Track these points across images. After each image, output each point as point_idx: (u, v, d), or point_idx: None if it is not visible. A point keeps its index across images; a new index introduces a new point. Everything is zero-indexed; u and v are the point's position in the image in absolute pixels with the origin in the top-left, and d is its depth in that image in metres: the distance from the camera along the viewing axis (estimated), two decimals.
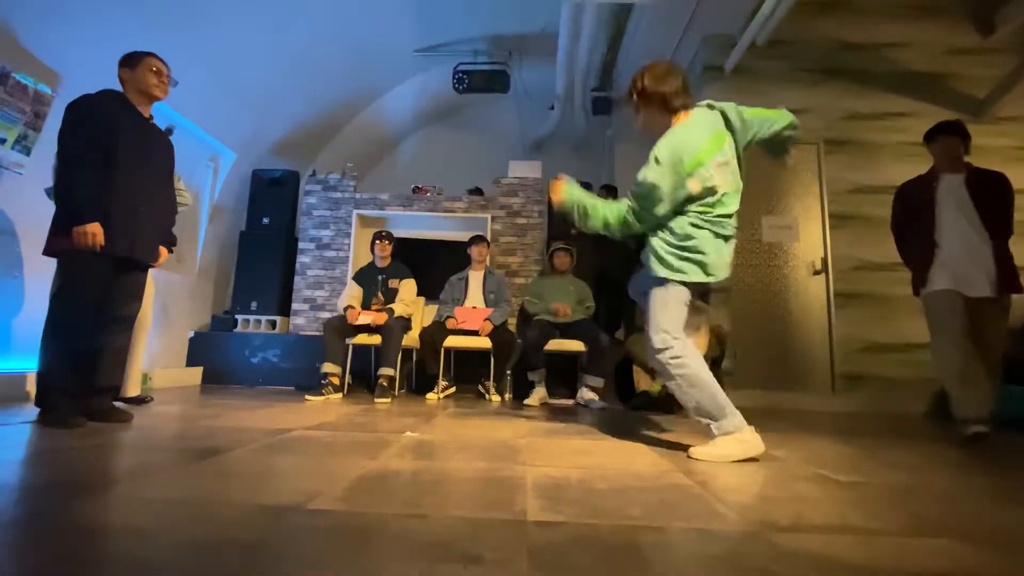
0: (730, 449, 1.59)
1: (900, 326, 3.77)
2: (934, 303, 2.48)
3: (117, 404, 2.15)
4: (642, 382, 3.29)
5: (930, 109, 4.06)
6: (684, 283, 1.73)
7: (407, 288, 3.71)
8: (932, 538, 0.93)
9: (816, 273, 3.90)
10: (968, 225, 2.46)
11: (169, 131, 2.39)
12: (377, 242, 3.76)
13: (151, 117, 2.19)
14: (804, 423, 2.75)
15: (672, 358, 1.66)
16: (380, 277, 3.72)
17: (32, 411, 1.99)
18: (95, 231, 1.87)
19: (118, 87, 2.10)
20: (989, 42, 4.12)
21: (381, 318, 3.40)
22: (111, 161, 1.96)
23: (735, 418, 1.64)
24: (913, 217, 2.61)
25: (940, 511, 1.13)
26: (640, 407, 3.14)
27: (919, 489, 1.33)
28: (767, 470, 1.48)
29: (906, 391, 3.63)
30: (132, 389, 2.66)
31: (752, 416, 2.98)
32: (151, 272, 2.69)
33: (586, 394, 3.33)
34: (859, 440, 2.18)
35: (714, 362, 3.33)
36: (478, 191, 4.99)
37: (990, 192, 2.48)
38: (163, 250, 2.30)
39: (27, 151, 2.76)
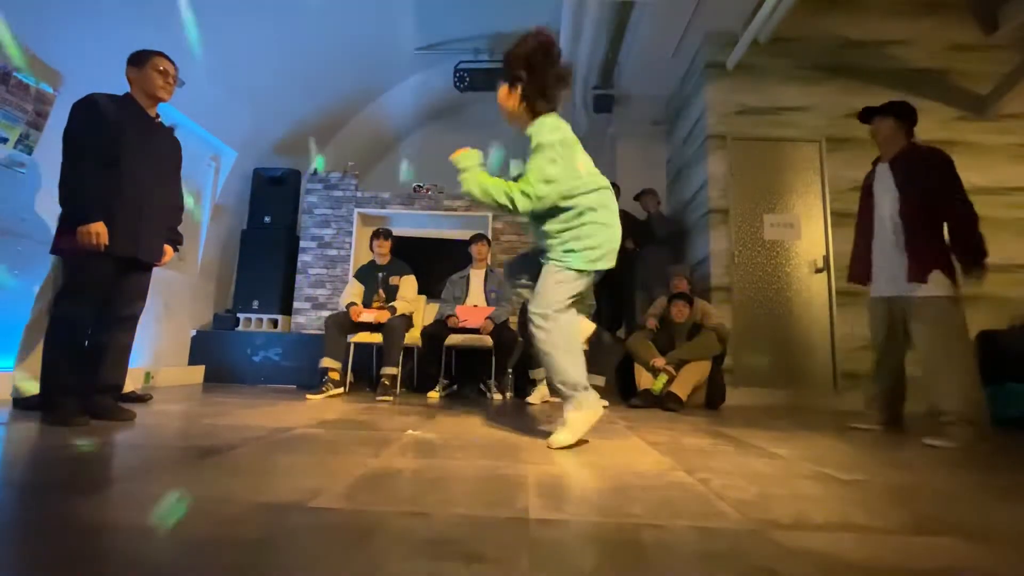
0: (580, 426, 1.71)
1: None
2: (868, 309, 2.50)
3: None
4: (643, 380, 3.29)
5: (933, 106, 4.05)
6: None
7: (408, 285, 3.71)
8: (934, 536, 0.93)
9: (818, 271, 3.90)
10: (888, 215, 2.32)
11: (171, 129, 2.40)
12: (375, 240, 3.77)
13: (157, 116, 2.19)
14: (805, 421, 2.74)
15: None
16: (381, 274, 3.73)
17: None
18: (99, 230, 1.88)
19: (120, 85, 2.10)
20: (992, 39, 4.11)
21: (383, 316, 3.40)
22: (116, 161, 1.97)
23: (589, 395, 1.75)
24: (861, 213, 2.53)
25: (942, 509, 1.13)
26: (641, 405, 3.14)
27: (921, 487, 1.33)
28: (769, 468, 1.48)
29: (908, 390, 3.62)
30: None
31: (753, 414, 3.01)
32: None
33: None
34: (860, 438, 2.18)
35: (716, 359, 3.33)
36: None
37: (913, 172, 2.25)
38: (168, 248, 2.31)
39: (29, 150, 2.77)
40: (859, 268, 2.51)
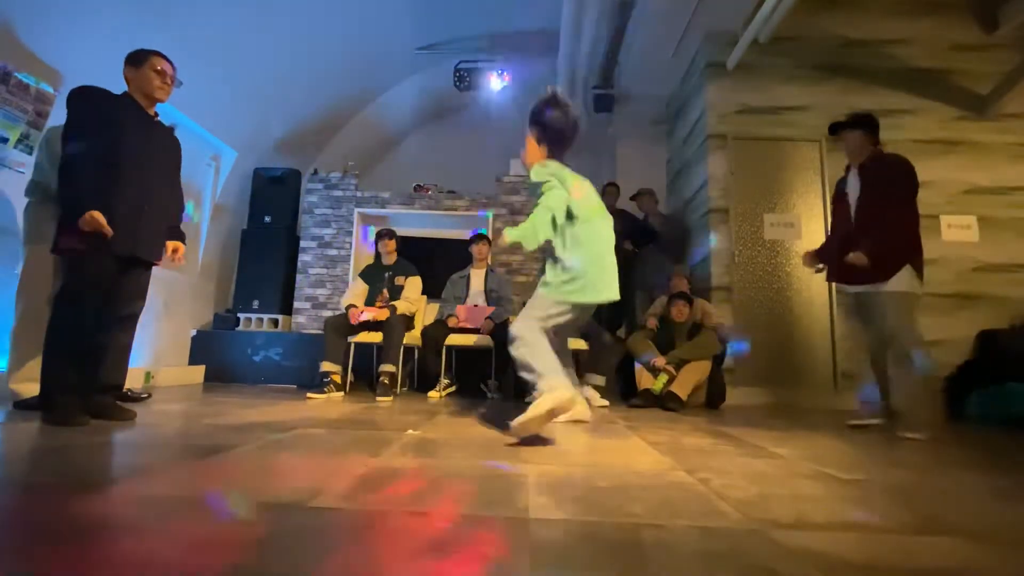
0: (543, 404, 1.66)
1: None
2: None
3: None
4: (643, 380, 3.29)
5: (933, 106, 4.05)
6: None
7: (412, 286, 3.72)
8: (934, 536, 0.93)
9: (818, 271, 3.88)
10: (854, 217, 2.53)
11: (172, 128, 2.39)
12: (381, 241, 3.78)
13: (156, 115, 2.19)
14: (806, 420, 2.74)
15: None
16: (387, 274, 3.73)
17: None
18: (97, 216, 1.86)
19: (120, 85, 2.10)
20: (993, 38, 4.10)
21: (383, 314, 3.40)
22: (115, 159, 1.97)
23: (556, 378, 1.75)
24: (836, 217, 2.74)
25: (942, 509, 1.13)
26: (641, 405, 3.14)
27: (921, 487, 1.33)
28: (769, 468, 1.48)
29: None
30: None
31: (753, 413, 3.01)
32: None
33: (587, 392, 3.32)
34: (861, 438, 2.18)
35: (716, 359, 3.33)
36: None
37: (880, 175, 2.46)
38: (179, 245, 2.29)
39: (30, 150, 2.77)
40: (835, 267, 2.66)
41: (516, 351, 1.84)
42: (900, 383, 2.34)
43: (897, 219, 2.38)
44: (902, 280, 2.34)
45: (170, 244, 2.26)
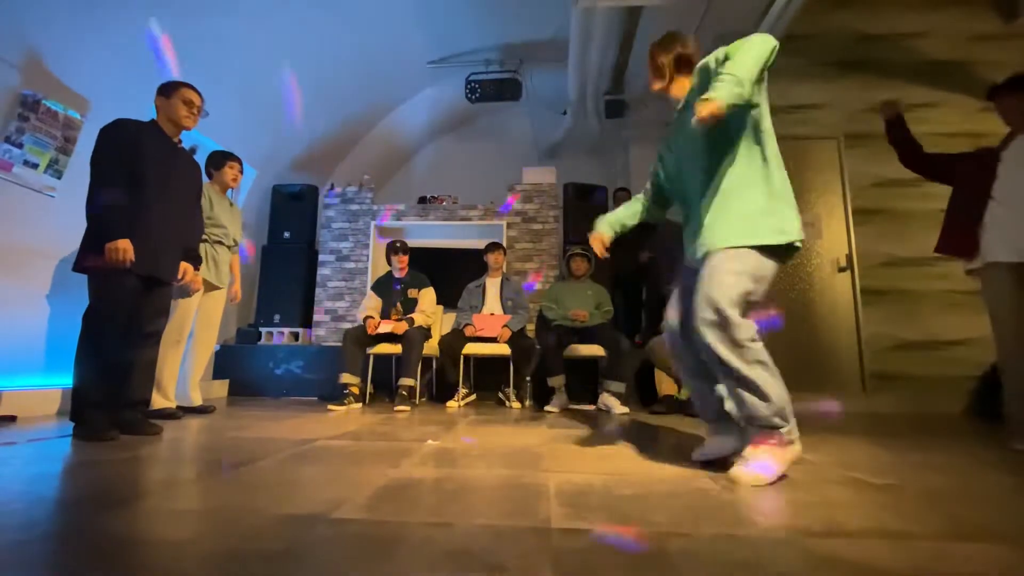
0: (783, 460, 1.30)
1: (931, 323, 3.66)
2: (994, 278, 2.19)
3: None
4: (664, 386, 3.24)
5: (954, 98, 3.97)
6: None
7: (426, 298, 3.73)
8: (971, 542, 0.89)
9: (841, 270, 3.82)
10: None
11: (192, 151, 2.48)
12: (395, 256, 3.79)
13: (179, 141, 2.28)
14: (835, 425, 2.67)
15: (752, 340, 1.34)
16: (398, 287, 3.75)
17: (66, 425, 2.06)
18: (125, 247, 1.94)
19: (145, 111, 2.20)
20: (1013, 27, 4.01)
21: (401, 327, 3.42)
22: (138, 183, 2.04)
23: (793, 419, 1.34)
24: (972, 178, 2.29)
25: (979, 513, 1.09)
26: (664, 411, 3.10)
27: (956, 491, 1.28)
28: (798, 474, 1.44)
29: (940, 390, 3.52)
30: (195, 398, 3.02)
31: None
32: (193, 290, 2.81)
33: (607, 399, 3.29)
34: (893, 441, 2.12)
35: None
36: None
37: None
38: (188, 267, 2.37)
39: (58, 175, 2.87)
40: (959, 240, 2.31)
41: (747, 365, 1.30)
42: None
43: None
44: None
45: (182, 266, 2.34)
